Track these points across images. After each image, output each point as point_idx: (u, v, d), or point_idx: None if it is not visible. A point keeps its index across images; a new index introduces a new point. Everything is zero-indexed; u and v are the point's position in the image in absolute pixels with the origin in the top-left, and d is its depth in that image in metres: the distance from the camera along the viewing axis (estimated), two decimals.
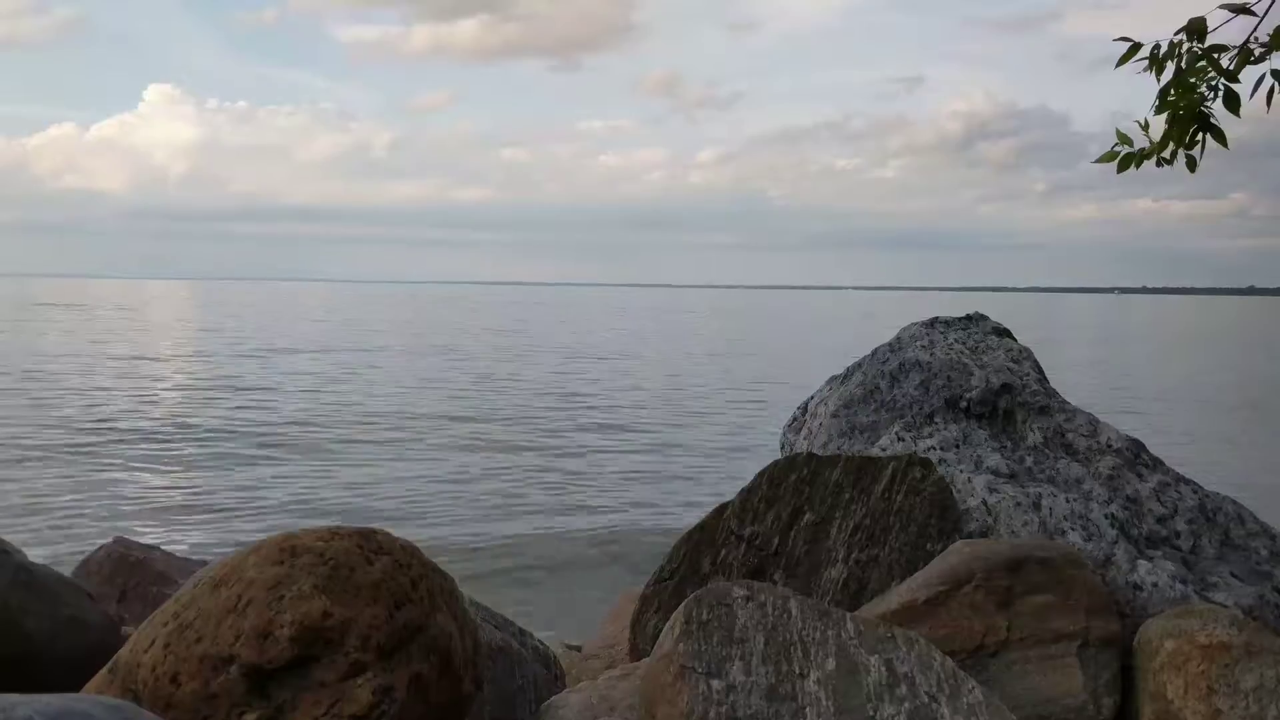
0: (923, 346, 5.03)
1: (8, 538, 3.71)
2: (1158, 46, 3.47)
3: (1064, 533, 4.06)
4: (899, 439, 4.56)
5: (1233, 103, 3.45)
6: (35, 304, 79.96)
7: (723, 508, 4.14)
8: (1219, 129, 3.52)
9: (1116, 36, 3.49)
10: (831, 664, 2.68)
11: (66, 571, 4.37)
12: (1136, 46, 3.48)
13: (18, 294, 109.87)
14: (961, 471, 4.36)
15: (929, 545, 3.99)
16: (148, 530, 9.86)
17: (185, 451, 14.61)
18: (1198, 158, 3.58)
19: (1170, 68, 3.47)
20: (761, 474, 4.16)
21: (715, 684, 2.55)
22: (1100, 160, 3.70)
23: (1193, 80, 3.45)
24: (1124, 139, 3.66)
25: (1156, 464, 4.56)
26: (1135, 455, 4.56)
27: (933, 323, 5.28)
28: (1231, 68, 3.42)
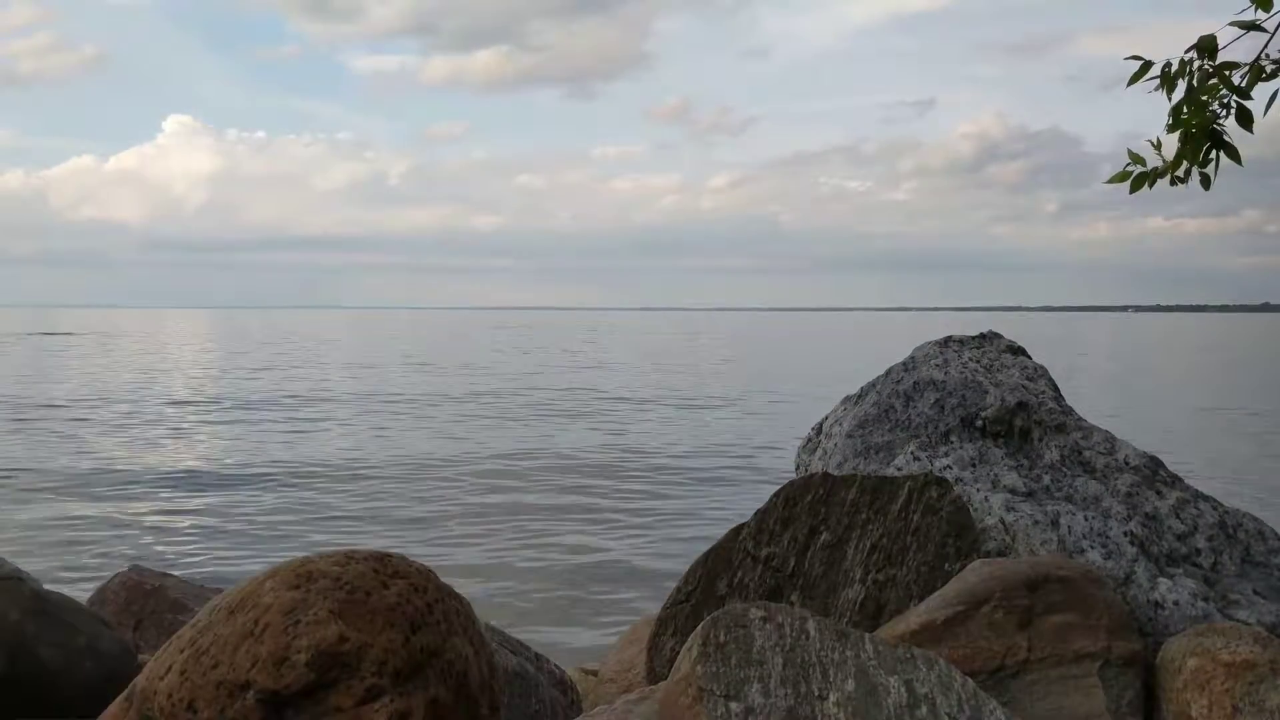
0: (937, 365, 5.01)
1: (23, 566, 3.72)
2: (1169, 65, 3.47)
3: (1083, 551, 4.03)
4: (914, 458, 4.54)
5: (1245, 119, 3.45)
6: (52, 334, 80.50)
7: (738, 529, 4.13)
8: (1232, 146, 3.51)
9: (1127, 56, 3.49)
10: (851, 685, 2.66)
11: (82, 600, 4.37)
12: (1148, 65, 3.47)
13: (35, 324, 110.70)
14: (978, 490, 4.33)
15: (947, 565, 3.96)
16: (162, 558, 9.87)
17: (201, 478, 14.64)
18: (1212, 175, 3.56)
19: (1181, 86, 3.46)
20: (777, 494, 4.15)
21: (734, 706, 2.54)
22: (1113, 180, 3.69)
23: (1204, 98, 3.45)
24: (1136, 159, 3.65)
25: (1175, 481, 4.53)
26: (1154, 472, 4.53)
27: (946, 341, 5.27)
28: (1243, 85, 3.41)
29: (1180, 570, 4.06)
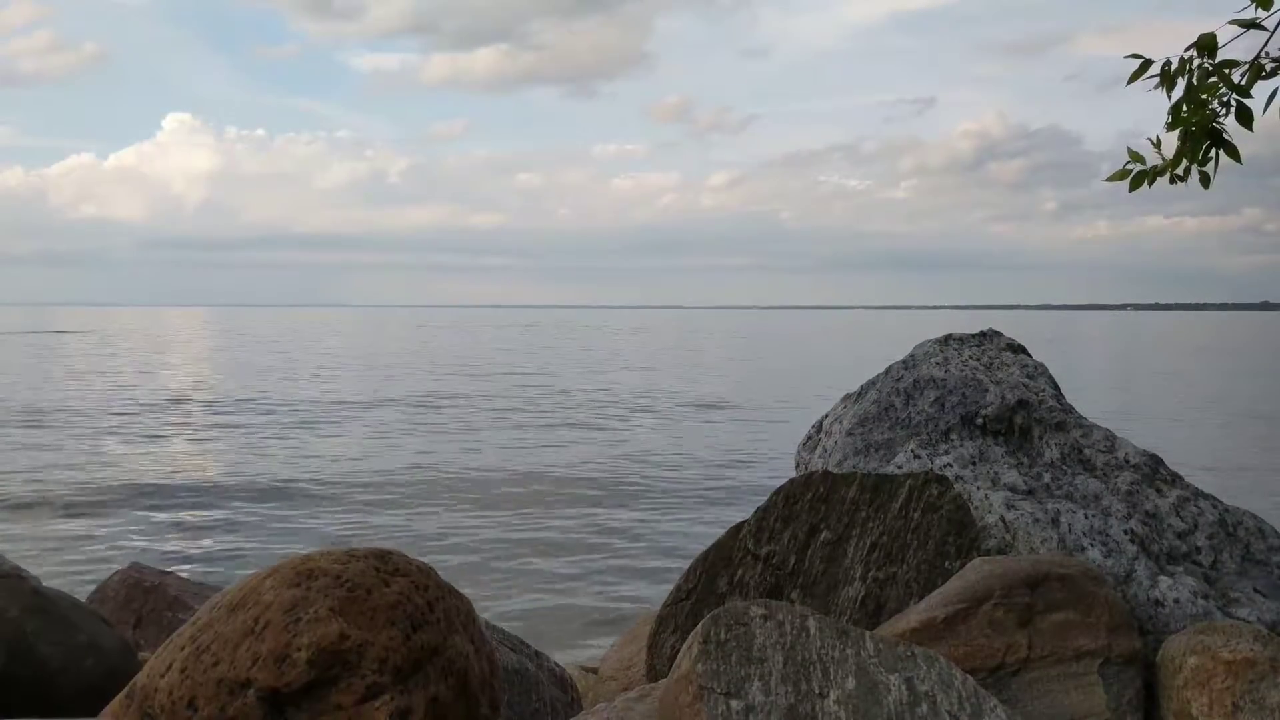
0: (937, 363, 5.01)
1: (23, 564, 3.72)
2: (1168, 63, 3.46)
3: (1083, 549, 4.03)
4: (915, 456, 4.54)
5: (1245, 118, 3.44)
6: (51, 332, 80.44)
7: (739, 527, 4.13)
8: (1232, 144, 3.50)
9: (1127, 54, 3.48)
10: (851, 683, 2.66)
11: (81, 597, 4.37)
12: (1147, 64, 3.46)
13: (34, 323, 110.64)
14: (979, 488, 4.33)
15: (947, 563, 3.96)
16: (162, 556, 9.87)
17: (201, 477, 14.63)
18: (1211, 174, 3.56)
19: (1181, 84, 3.45)
20: (777, 493, 4.15)
21: (734, 704, 2.54)
22: (1112, 178, 3.68)
23: (1204, 96, 3.44)
24: (1136, 157, 3.64)
25: (1175, 479, 4.53)
26: (1154, 470, 4.53)
27: (946, 339, 5.26)
28: (1243, 83, 3.41)
29: (1180, 568, 4.06)
